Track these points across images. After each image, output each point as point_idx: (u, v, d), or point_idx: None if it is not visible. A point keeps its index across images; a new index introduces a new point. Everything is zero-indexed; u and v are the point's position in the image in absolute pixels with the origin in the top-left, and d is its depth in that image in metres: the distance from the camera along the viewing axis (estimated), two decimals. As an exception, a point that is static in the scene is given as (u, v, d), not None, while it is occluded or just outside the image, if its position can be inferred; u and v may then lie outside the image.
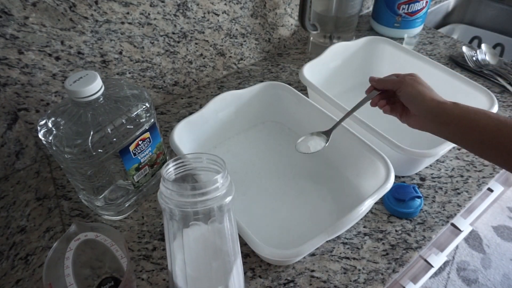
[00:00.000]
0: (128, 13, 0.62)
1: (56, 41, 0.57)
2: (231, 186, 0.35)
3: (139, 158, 0.52)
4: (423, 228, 0.55)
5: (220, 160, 0.35)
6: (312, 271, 0.50)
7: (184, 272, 0.35)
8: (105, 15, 0.60)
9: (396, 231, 0.55)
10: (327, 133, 0.55)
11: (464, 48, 0.85)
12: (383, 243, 0.53)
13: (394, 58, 0.76)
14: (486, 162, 0.64)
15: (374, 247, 0.53)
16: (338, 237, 0.54)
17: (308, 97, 0.70)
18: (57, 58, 0.59)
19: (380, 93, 0.52)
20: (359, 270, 0.50)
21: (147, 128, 0.52)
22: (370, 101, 0.53)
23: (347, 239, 0.54)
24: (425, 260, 0.86)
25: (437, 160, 0.65)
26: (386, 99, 0.52)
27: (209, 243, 0.36)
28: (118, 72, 0.67)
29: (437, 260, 0.85)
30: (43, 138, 0.46)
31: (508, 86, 0.77)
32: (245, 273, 0.49)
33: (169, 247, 0.36)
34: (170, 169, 0.35)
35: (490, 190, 0.92)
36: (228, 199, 0.34)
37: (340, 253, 0.52)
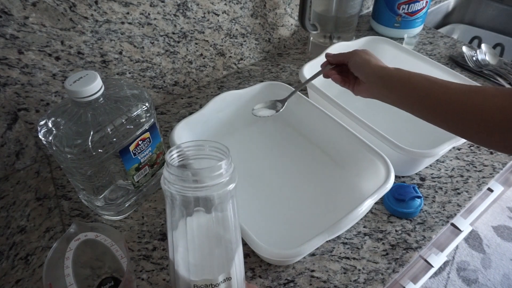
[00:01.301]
0: (128, 13, 0.62)
1: (56, 41, 0.57)
2: (234, 173, 0.34)
3: (139, 158, 0.52)
4: (423, 228, 0.55)
5: (223, 147, 0.35)
6: (312, 271, 0.50)
7: (186, 260, 0.35)
8: (105, 15, 0.60)
9: (396, 231, 0.55)
10: (282, 101, 0.61)
11: (464, 48, 0.85)
12: (383, 243, 0.53)
13: (394, 58, 0.75)
14: (486, 162, 0.64)
15: (374, 247, 0.53)
16: (338, 237, 0.54)
17: (308, 97, 0.70)
18: (57, 58, 0.59)
19: (334, 67, 0.57)
20: (359, 270, 0.50)
21: (147, 128, 0.52)
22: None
23: (347, 239, 0.54)
24: (425, 260, 0.86)
25: (437, 160, 0.65)
26: (338, 72, 0.56)
27: (212, 230, 0.35)
28: (118, 72, 0.67)
29: (437, 260, 0.85)
30: (43, 138, 0.46)
31: (508, 86, 0.77)
32: (245, 273, 0.49)
33: (171, 235, 0.36)
34: (173, 155, 0.35)
35: (490, 190, 0.92)
36: (231, 186, 0.34)
37: (340, 253, 0.52)
